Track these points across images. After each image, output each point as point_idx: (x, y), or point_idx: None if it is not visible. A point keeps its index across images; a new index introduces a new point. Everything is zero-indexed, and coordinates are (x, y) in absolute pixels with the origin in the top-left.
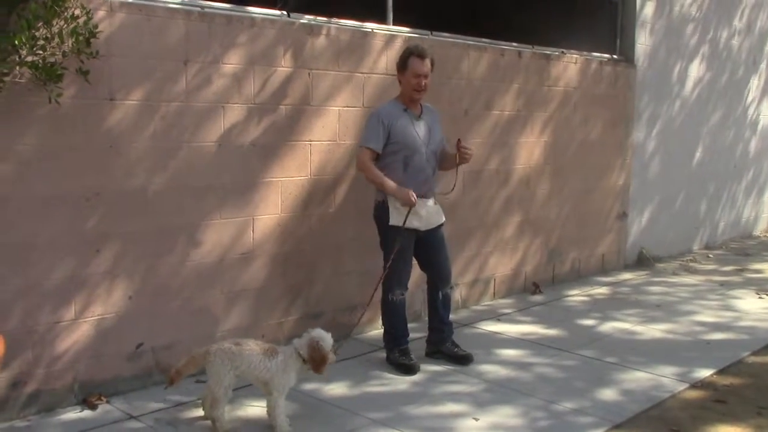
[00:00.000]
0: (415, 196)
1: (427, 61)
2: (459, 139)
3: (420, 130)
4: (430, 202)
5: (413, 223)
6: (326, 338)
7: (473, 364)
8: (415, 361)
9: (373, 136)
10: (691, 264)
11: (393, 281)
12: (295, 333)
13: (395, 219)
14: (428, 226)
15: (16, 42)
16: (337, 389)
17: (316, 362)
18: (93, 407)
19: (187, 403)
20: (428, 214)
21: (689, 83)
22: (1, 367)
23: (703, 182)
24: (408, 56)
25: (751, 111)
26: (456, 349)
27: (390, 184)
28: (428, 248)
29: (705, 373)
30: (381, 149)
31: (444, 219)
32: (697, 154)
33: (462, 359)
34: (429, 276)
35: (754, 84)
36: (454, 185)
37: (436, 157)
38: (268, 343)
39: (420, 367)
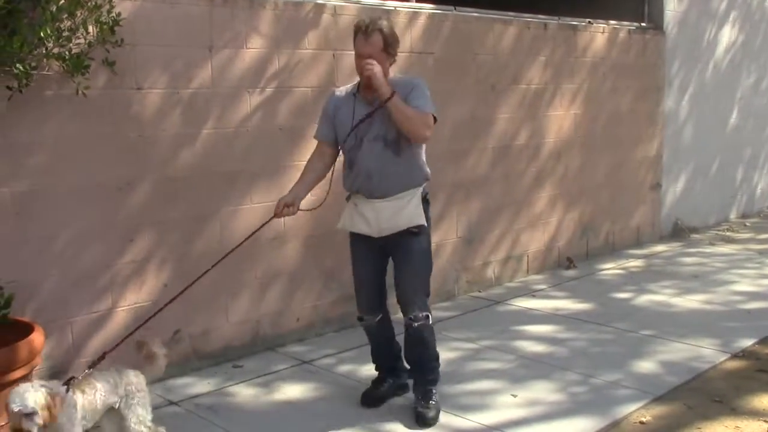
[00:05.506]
0: (282, 206)
1: (374, 38)
2: None
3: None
4: (384, 202)
5: (360, 227)
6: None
7: (508, 340)
8: (374, 393)
9: (318, 125)
10: (728, 233)
11: (356, 300)
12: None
13: (343, 220)
14: (382, 233)
15: (42, 34)
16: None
17: None
18: None
19: (226, 387)
20: (379, 216)
21: (721, 48)
22: (42, 358)
23: (739, 148)
24: (354, 34)
25: None
26: (419, 407)
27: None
28: (393, 259)
29: (746, 342)
30: (328, 139)
31: (420, 222)
32: (732, 120)
33: (417, 417)
34: None
35: None
36: (327, 195)
37: (394, 147)
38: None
39: (373, 404)
